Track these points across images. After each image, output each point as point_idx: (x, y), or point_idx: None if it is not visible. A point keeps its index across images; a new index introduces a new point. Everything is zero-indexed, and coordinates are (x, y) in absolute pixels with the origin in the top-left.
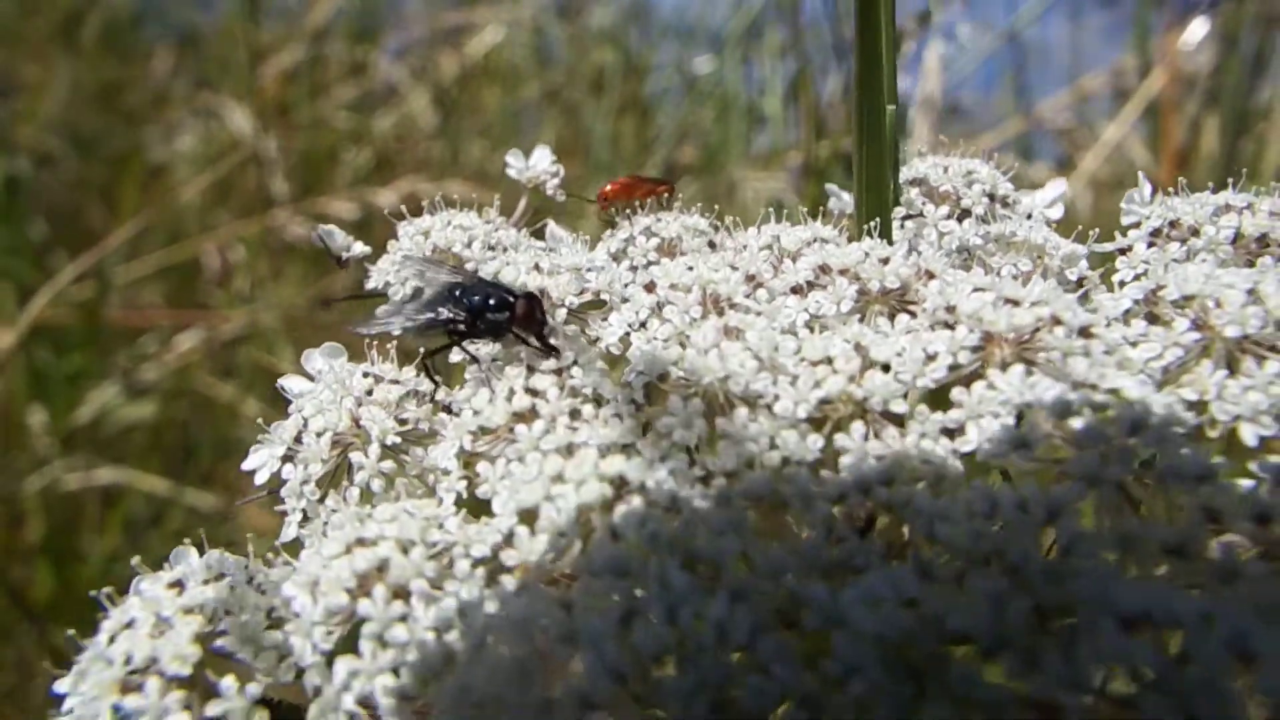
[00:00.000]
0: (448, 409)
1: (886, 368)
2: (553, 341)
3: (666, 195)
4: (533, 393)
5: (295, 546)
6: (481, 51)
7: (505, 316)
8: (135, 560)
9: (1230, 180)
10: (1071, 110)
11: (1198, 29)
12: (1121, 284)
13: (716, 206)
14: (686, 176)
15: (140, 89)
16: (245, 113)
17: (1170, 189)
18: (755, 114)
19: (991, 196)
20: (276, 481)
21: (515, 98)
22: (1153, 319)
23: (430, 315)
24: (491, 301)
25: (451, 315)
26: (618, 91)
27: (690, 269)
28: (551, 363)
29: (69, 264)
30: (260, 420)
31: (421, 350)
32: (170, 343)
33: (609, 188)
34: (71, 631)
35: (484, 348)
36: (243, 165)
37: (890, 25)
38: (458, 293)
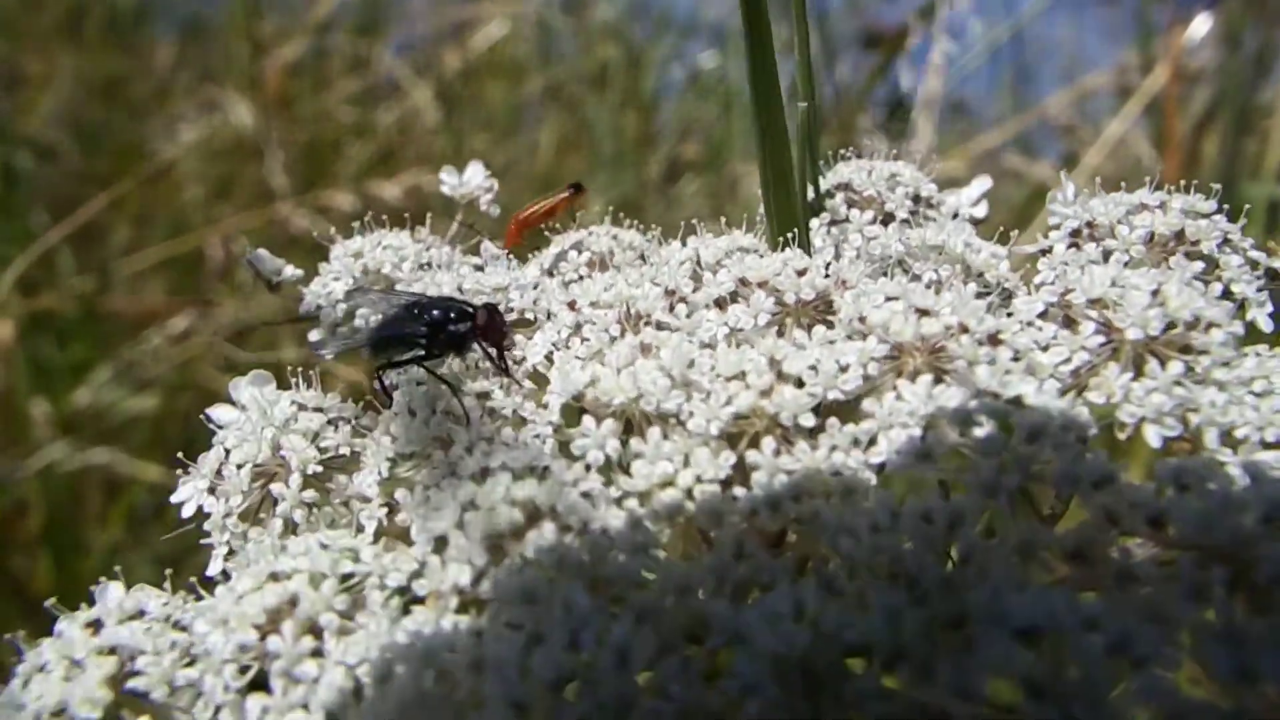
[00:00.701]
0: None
1: (800, 382)
2: (508, 353)
3: (574, 203)
4: (452, 416)
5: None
6: (485, 46)
7: (467, 328)
8: (50, 602)
9: (1148, 180)
10: (1074, 107)
11: (1200, 26)
12: (1039, 286)
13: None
14: (689, 173)
15: (143, 82)
16: (248, 106)
17: (1091, 189)
18: None
19: (916, 199)
20: (201, 515)
21: (518, 92)
22: (1068, 321)
23: (391, 332)
24: (452, 314)
25: (412, 331)
26: (621, 86)
27: (610, 286)
28: (479, 385)
29: (70, 257)
30: (180, 455)
31: (375, 368)
32: (171, 335)
33: (511, 226)
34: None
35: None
36: (245, 158)
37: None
38: (416, 309)
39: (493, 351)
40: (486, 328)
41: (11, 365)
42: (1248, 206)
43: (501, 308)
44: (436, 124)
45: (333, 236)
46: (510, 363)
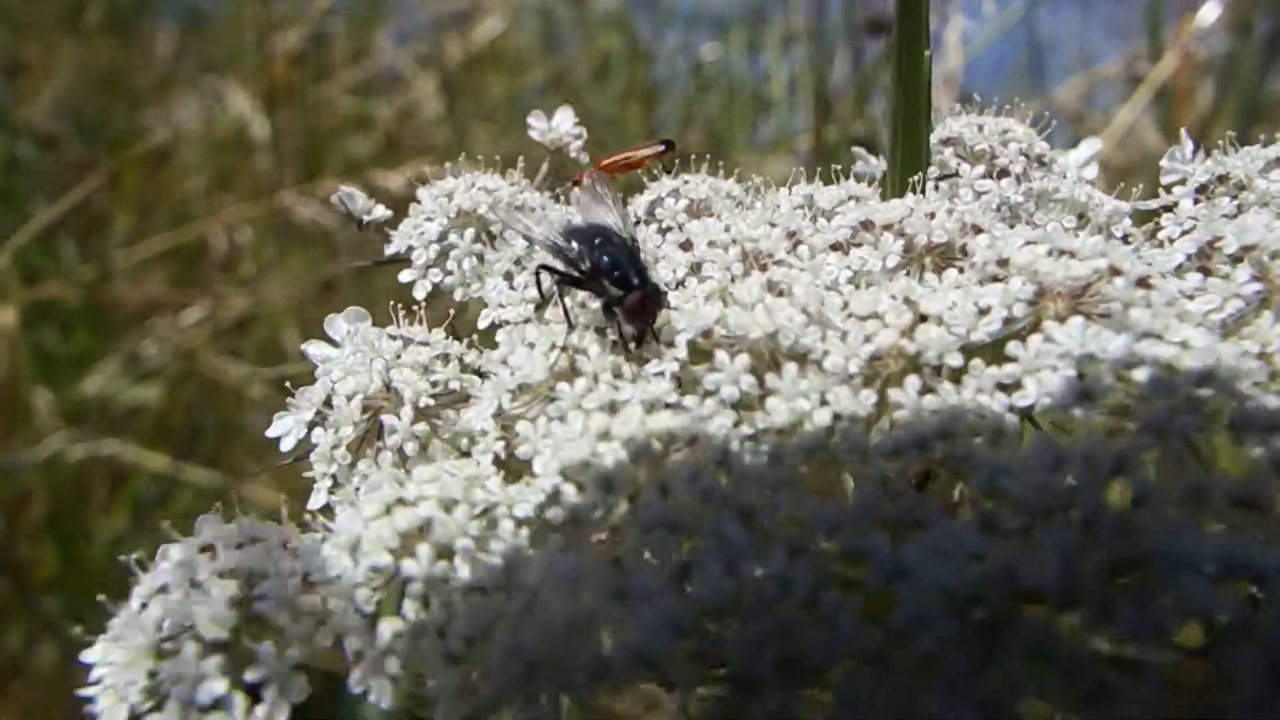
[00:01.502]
0: (478, 372)
1: (939, 321)
2: (645, 343)
3: (662, 160)
4: (571, 349)
5: (327, 513)
6: (487, 36)
7: (619, 295)
8: (166, 524)
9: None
10: (1084, 97)
11: (1210, 13)
12: (1170, 240)
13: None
14: (693, 163)
15: (144, 72)
16: (249, 96)
17: (1218, 144)
18: (761, 100)
19: (1028, 156)
20: (304, 448)
21: (521, 83)
22: (1205, 273)
23: (564, 244)
24: (616, 274)
25: (574, 259)
26: (623, 77)
27: (727, 228)
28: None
29: (73, 247)
30: (289, 383)
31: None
32: (175, 325)
33: (593, 168)
34: (102, 597)
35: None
36: (247, 148)
37: None
38: (597, 240)
39: (626, 329)
40: (631, 310)
41: (15, 354)
42: None
43: None
44: (438, 115)
45: (421, 180)
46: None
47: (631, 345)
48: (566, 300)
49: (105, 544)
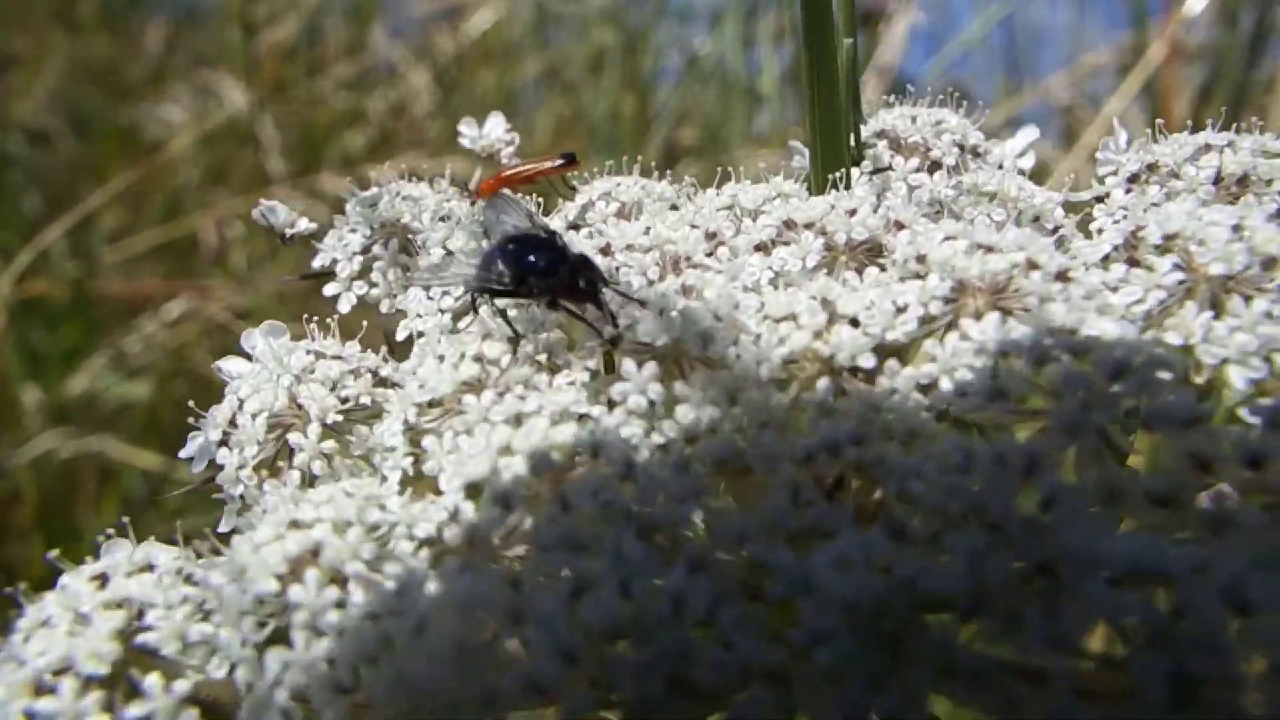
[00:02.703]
0: (394, 385)
1: (855, 322)
2: (609, 307)
3: (563, 174)
4: (482, 360)
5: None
6: (480, 29)
7: (550, 283)
8: (53, 554)
9: (1210, 121)
10: (1074, 87)
11: (1197, 3)
12: (1099, 231)
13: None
14: (687, 158)
15: (137, 66)
16: (242, 90)
17: (1146, 132)
18: (756, 94)
19: (962, 147)
20: (214, 469)
21: (514, 76)
22: (1133, 264)
23: (481, 272)
24: (540, 265)
25: (497, 276)
26: (617, 71)
27: (647, 231)
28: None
29: (62, 241)
30: (191, 403)
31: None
32: (164, 320)
33: (490, 179)
34: None
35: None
36: (239, 142)
37: None
38: (504, 251)
39: (573, 308)
40: (569, 288)
41: (2, 351)
42: None
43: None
44: (432, 108)
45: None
46: (604, 314)
47: (607, 329)
48: (484, 309)
49: (95, 543)
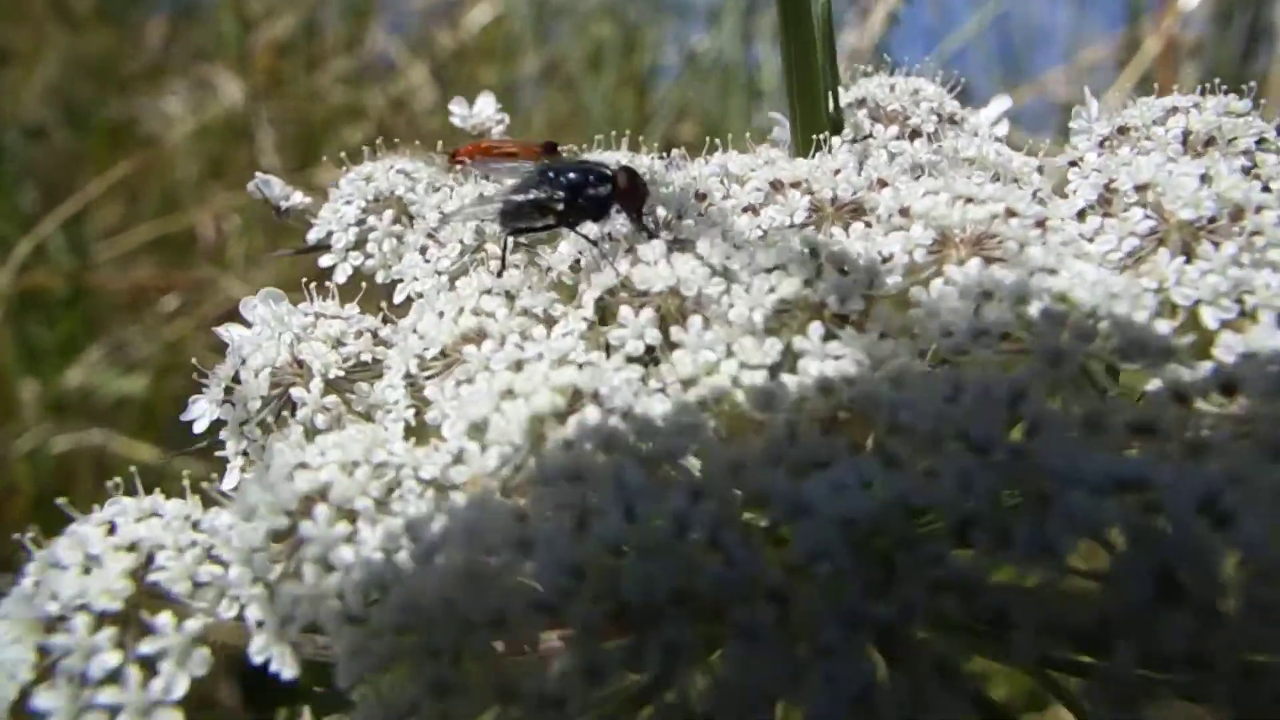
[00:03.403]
0: (390, 345)
1: (843, 271)
2: (648, 221)
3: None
4: (480, 314)
5: None
6: (479, 25)
7: (607, 190)
8: (61, 500)
9: (1175, 86)
10: (1072, 84)
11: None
12: (1074, 191)
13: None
14: (686, 154)
15: (134, 60)
16: (240, 85)
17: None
18: (755, 89)
19: (939, 115)
20: (218, 429)
21: (513, 72)
22: (1107, 216)
23: (527, 196)
24: (591, 177)
25: (549, 195)
26: (616, 67)
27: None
28: (516, 277)
29: (60, 235)
30: (194, 361)
31: (504, 231)
32: (162, 314)
33: (469, 145)
34: None
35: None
36: (237, 137)
37: None
38: (551, 174)
39: (633, 216)
40: (628, 191)
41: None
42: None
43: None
44: (430, 104)
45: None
46: (650, 226)
47: (649, 226)
48: (505, 247)
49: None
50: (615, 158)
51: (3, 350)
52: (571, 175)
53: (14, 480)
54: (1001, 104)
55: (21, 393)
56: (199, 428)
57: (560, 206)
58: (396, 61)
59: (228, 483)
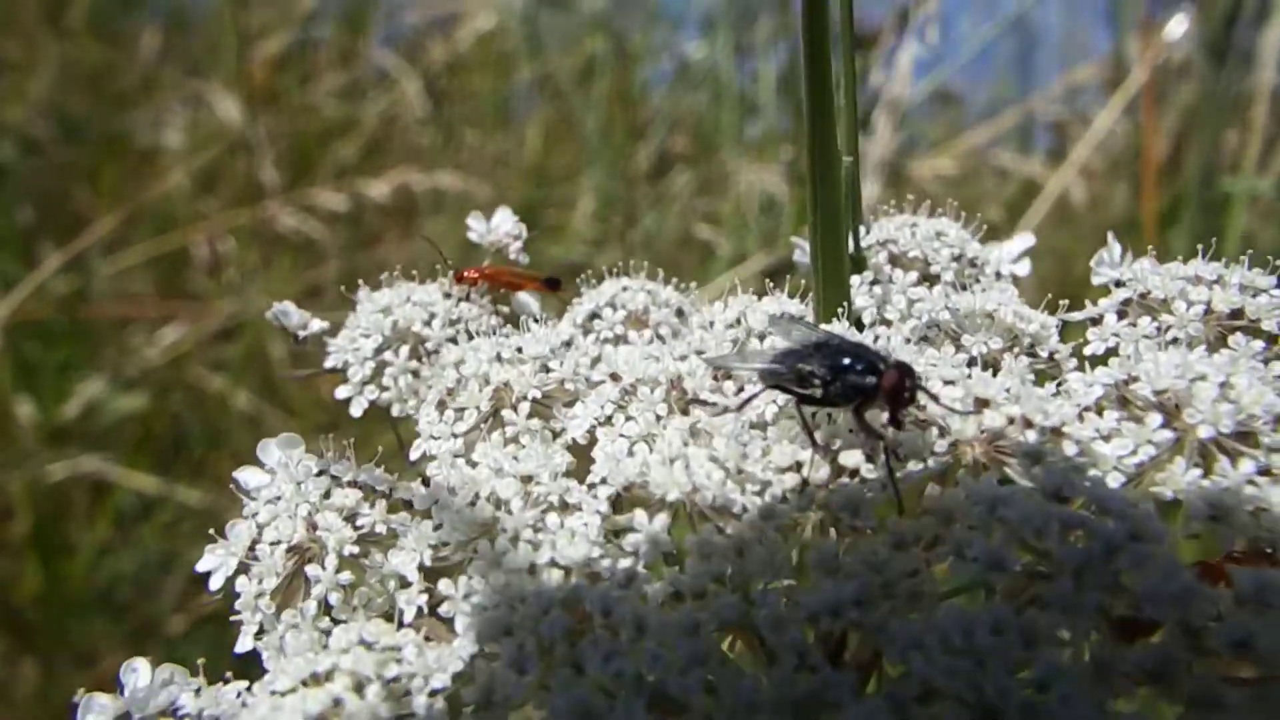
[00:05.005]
0: (408, 504)
1: (855, 473)
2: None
3: (544, 292)
4: (496, 503)
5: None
6: (472, 38)
7: (873, 382)
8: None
9: (1200, 248)
10: (1064, 101)
11: (1177, 27)
12: (1093, 357)
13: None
14: (679, 165)
15: (128, 73)
16: (234, 99)
17: (1148, 246)
18: (748, 102)
19: (959, 260)
20: (229, 589)
21: (506, 85)
22: (1124, 403)
23: (787, 364)
24: (859, 366)
25: (813, 369)
26: (609, 79)
27: (656, 359)
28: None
29: (55, 252)
30: (213, 532)
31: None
32: (159, 334)
33: (471, 270)
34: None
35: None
36: (232, 153)
37: (850, 61)
38: (823, 348)
39: (891, 414)
40: (893, 390)
41: None
42: None
43: (541, 381)
44: (424, 117)
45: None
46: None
47: (894, 425)
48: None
49: (88, 556)
50: (633, 292)
51: (1, 372)
52: (840, 359)
53: (11, 503)
54: (1024, 241)
55: (18, 415)
56: (214, 584)
57: (819, 387)
58: (391, 73)
59: (241, 646)
